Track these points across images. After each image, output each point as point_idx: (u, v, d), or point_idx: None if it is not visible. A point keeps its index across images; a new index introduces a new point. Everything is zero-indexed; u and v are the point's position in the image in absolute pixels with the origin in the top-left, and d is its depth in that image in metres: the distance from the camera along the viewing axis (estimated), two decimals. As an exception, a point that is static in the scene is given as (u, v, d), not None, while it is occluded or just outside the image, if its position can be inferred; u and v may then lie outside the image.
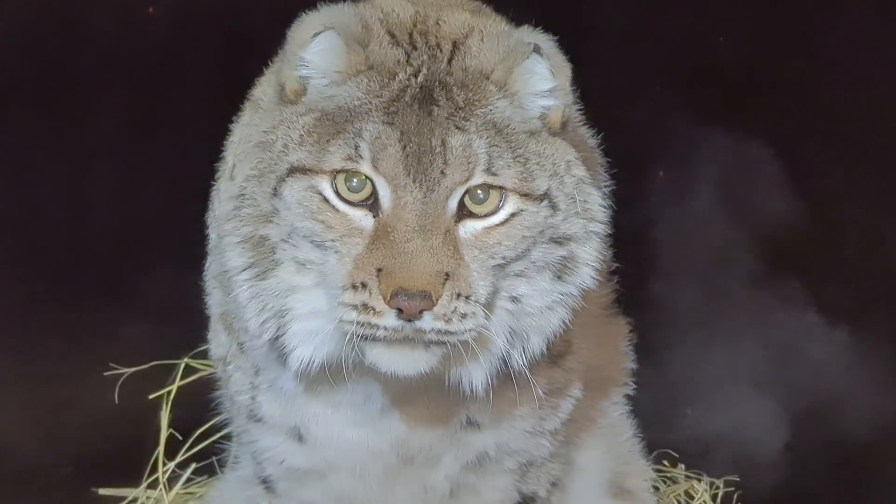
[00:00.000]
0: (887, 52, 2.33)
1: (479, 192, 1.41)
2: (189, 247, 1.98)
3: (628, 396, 2.52)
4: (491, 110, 1.43)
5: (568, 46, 1.56)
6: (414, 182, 1.36)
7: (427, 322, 1.37)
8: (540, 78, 1.47)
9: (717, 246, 2.66)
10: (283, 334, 1.53)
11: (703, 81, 2.60)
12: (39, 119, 2.47)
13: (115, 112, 2.53)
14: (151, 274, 2.62)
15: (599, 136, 1.95)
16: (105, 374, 2.54)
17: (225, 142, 1.79)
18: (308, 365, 1.54)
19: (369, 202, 1.39)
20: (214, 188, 1.81)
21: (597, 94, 1.81)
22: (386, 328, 1.38)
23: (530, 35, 1.51)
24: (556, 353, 1.81)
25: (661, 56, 2.62)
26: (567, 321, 1.59)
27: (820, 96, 2.40)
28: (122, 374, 2.54)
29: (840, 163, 2.44)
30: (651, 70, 2.65)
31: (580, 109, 1.78)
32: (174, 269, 2.37)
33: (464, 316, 1.40)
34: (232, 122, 1.79)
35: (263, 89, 1.71)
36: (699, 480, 2.63)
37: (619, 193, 1.79)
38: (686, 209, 2.72)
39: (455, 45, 1.47)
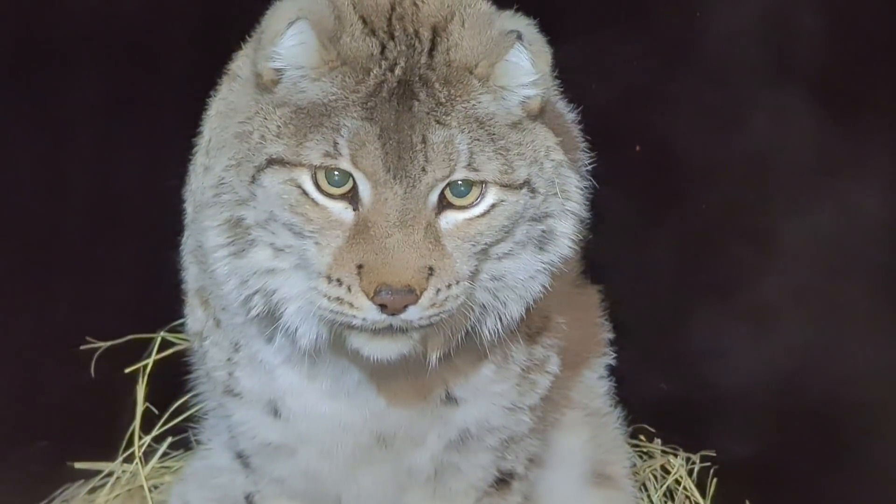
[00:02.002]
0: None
1: (460, 185, 1.41)
2: (166, 221, 1.97)
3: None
4: (473, 105, 1.42)
5: (546, 23, 1.56)
6: (394, 178, 1.36)
7: (414, 313, 1.38)
8: (522, 70, 1.46)
9: (693, 217, 2.66)
10: (280, 315, 1.55)
11: (683, 57, 2.60)
12: (16, 92, 2.44)
13: (92, 86, 2.50)
14: (128, 247, 2.61)
15: (578, 111, 1.95)
16: (81, 347, 2.54)
17: (203, 116, 1.79)
18: (317, 342, 1.56)
19: (349, 195, 1.39)
20: (192, 162, 1.80)
21: (575, 70, 1.82)
22: (365, 319, 1.39)
23: (511, 21, 1.49)
24: (534, 330, 1.83)
25: (639, 32, 2.62)
26: (547, 286, 1.60)
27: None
28: (98, 348, 2.53)
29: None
30: (630, 46, 2.65)
31: (560, 85, 1.78)
32: (151, 242, 2.36)
33: (456, 297, 1.42)
34: (210, 96, 1.78)
35: (241, 63, 1.69)
36: (675, 455, 2.63)
37: (596, 168, 1.81)
38: (661, 181, 2.73)
39: (435, 33, 1.45)
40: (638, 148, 2.73)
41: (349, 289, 1.37)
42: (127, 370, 2.51)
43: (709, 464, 2.59)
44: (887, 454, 2.27)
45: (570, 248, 1.58)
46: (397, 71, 1.41)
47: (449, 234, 1.42)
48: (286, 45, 1.42)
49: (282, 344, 1.66)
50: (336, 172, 1.38)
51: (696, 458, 2.61)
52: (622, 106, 2.70)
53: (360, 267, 1.36)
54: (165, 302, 2.24)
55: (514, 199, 1.45)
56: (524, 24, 1.48)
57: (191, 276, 1.88)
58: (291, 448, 1.86)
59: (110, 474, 2.52)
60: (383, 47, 1.42)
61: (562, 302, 1.90)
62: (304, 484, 1.95)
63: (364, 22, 1.44)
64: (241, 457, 2.00)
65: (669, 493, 2.59)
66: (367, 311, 1.37)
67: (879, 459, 2.30)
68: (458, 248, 1.42)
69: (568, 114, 1.91)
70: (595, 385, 2.51)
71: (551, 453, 2.22)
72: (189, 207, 1.81)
